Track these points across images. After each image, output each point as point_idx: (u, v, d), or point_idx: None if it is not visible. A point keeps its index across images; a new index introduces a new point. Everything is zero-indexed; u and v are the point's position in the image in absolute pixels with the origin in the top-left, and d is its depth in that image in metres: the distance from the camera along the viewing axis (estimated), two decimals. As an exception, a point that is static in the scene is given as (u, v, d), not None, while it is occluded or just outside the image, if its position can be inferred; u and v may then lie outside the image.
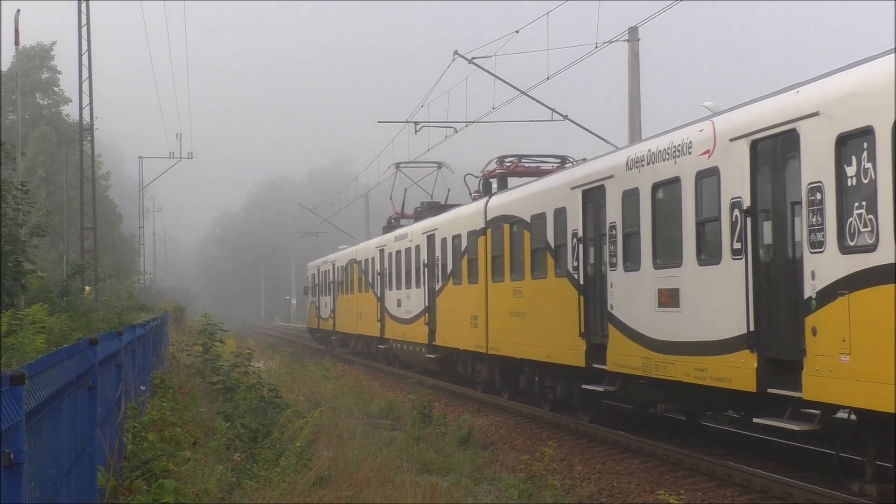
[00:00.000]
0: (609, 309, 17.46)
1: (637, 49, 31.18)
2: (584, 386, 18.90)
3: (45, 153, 64.84)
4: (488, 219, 24.41)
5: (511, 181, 26.86)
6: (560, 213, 19.70)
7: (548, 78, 29.00)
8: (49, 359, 5.68)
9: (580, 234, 18.74)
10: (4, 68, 65.89)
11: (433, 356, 30.33)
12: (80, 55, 40.86)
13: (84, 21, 40.96)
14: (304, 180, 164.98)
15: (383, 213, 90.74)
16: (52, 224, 40.15)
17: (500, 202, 24.09)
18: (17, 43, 42.49)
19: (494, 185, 27.43)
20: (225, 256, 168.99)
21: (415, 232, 32.46)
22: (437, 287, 29.14)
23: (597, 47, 27.77)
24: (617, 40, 29.90)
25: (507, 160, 27.47)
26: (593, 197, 18.42)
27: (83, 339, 7.57)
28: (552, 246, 20.08)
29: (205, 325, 24.22)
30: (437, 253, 29.11)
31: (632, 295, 16.83)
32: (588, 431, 19.20)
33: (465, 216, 26.86)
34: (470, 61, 31.69)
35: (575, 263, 18.92)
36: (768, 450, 16.39)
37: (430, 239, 29.91)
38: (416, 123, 38.03)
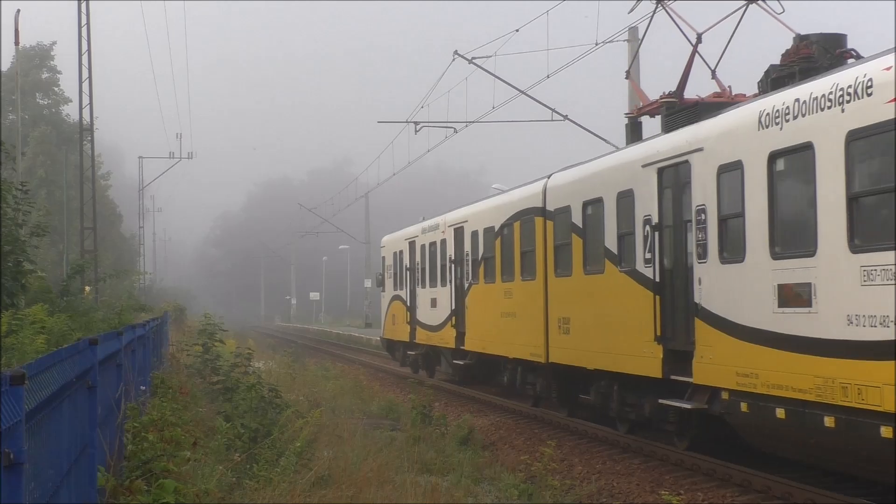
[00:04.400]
0: None
1: (637, 49, 31.13)
2: None
3: (45, 153, 64.91)
4: None
5: None
6: None
7: (548, 76, 28.99)
8: (49, 359, 5.68)
9: None
10: (4, 68, 66.00)
11: None
12: (80, 55, 40.88)
13: (84, 21, 40.99)
14: (304, 180, 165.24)
15: (383, 213, 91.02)
16: (52, 224, 40.13)
17: None
18: (17, 43, 42.52)
19: None
20: (225, 256, 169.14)
21: None
22: None
23: (596, 45, 27.77)
24: (617, 40, 29.90)
25: None
26: None
27: (83, 340, 7.55)
28: None
29: (205, 325, 24.22)
30: None
31: None
32: (588, 431, 19.17)
33: None
34: (470, 61, 31.67)
35: None
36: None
37: None
38: (416, 123, 38.04)
